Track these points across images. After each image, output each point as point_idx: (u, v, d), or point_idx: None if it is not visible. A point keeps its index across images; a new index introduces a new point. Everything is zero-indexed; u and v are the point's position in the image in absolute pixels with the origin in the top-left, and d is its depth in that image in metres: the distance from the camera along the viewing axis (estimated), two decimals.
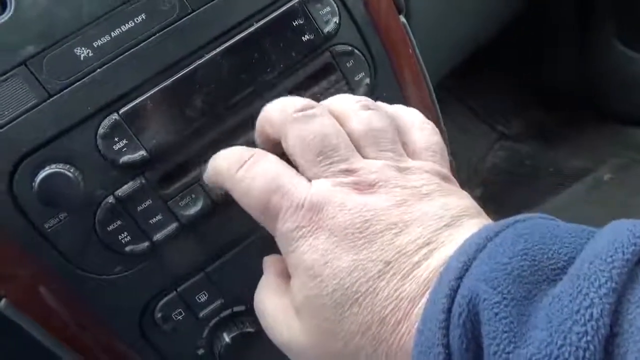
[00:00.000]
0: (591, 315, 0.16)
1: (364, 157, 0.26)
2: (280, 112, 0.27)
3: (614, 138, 0.84)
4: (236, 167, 0.26)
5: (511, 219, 0.22)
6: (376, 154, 0.26)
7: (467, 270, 0.20)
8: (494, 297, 0.18)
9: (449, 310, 0.19)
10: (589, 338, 0.16)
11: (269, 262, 0.29)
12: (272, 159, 0.26)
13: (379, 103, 0.29)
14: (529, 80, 0.95)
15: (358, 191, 0.24)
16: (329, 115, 0.26)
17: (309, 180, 0.25)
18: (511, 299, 0.18)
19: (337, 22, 0.33)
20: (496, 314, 0.18)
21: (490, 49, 0.76)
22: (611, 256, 0.17)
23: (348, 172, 0.25)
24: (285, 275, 0.27)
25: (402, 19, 0.38)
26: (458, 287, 0.20)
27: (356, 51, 0.34)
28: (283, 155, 0.27)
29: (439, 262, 0.22)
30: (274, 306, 0.26)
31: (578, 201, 0.77)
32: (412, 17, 0.43)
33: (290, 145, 0.26)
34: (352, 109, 0.27)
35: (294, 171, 0.26)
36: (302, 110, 0.26)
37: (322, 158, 0.25)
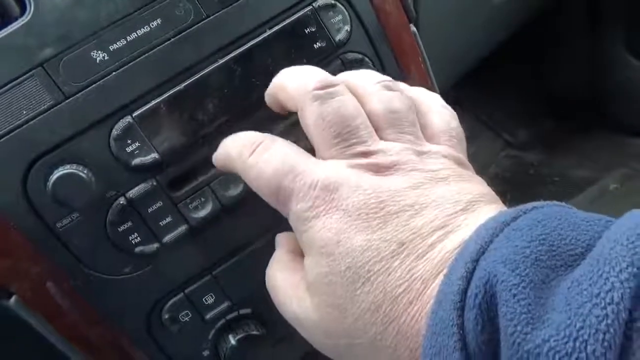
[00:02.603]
0: (612, 298, 0.16)
1: (382, 138, 0.26)
2: (299, 85, 0.26)
3: (620, 148, 0.84)
4: (248, 153, 0.26)
5: (528, 205, 0.22)
6: (395, 137, 0.26)
7: (483, 252, 0.20)
8: (512, 279, 0.18)
9: (465, 292, 0.19)
10: (609, 321, 0.16)
11: (282, 239, 0.29)
12: (283, 142, 0.26)
13: (400, 84, 0.29)
14: (536, 89, 0.95)
15: (374, 173, 0.24)
16: (349, 94, 0.26)
17: (325, 160, 0.25)
18: (529, 282, 0.18)
19: (349, 30, 0.33)
20: (514, 295, 0.18)
21: (498, 57, 0.76)
22: (632, 242, 0.17)
23: (366, 154, 0.25)
24: (297, 252, 0.27)
25: (413, 28, 0.38)
26: (474, 269, 0.20)
27: (366, 59, 0.34)
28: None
29: (454, 245, 0.22)
30: (285, 282, 0.26)
31: (583, 211, 0.76)
32: (422, 26, 0.44)
33: (309, 123, 0.26)
34: (373, 88, 0.27)
35: (305, 154, 0.26)
36: (322, 87, 0.26)
37: (340, 140, 0.25)
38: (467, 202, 0.23)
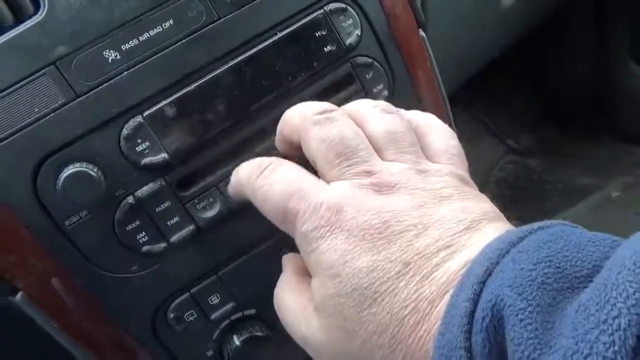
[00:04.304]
0: (619, 325, 0.16)
1: (383, 159, 0.26)
2: (300, 116, 0.27)
3: (623, 156, 0.84)
4: (255, 176, 0.27)
5: (534, 225, 0.22)
6: (395, 157, 0.26)
7: (490, 274, 0.20)
8: (519, 303, 0.18)
9: (472, 314, 0.19)
10: (616, 348, 0.16)
11: (288, 260, 0.30)
12: (289, 165, 0.27)
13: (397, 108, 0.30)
14: (540, 95, 0.95)
15: (377, 192, 0.24)
16: (348, 118, 0.27)
17: (329, 182, 0.26)
18: (536, 306, 0.18)
19: (359, 34, 0.33)
20: (521, 320, 0.18)
21: (503, 62, 0.76)
22: (639, 267, 0.17)
23: (368, 173, 0.25)
24: (304, 273, 0.28)
25: (422, 33, 0.38)
26: (481, 291, 0.20)
27: (376, 63, 0.35)
28: (304, 160, 0.27)
29: (459, 265, 0.22)
30: (293, 303, 0.27)
31: (585, 218, 0.77)
32: (430, 30, 0.44)
33: (311, 148, 0.26)
34: (371, 112, 0.27)
35: (311, 175, 0.26)
36: (321, 113, 0.26)
37: (342, 160, 0.25)
38: (471, 221, 0.23)
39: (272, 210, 0.26)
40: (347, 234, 0.23)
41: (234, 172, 0.29)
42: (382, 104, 0.28)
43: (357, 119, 0.27)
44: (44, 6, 0.28)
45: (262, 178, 0.27)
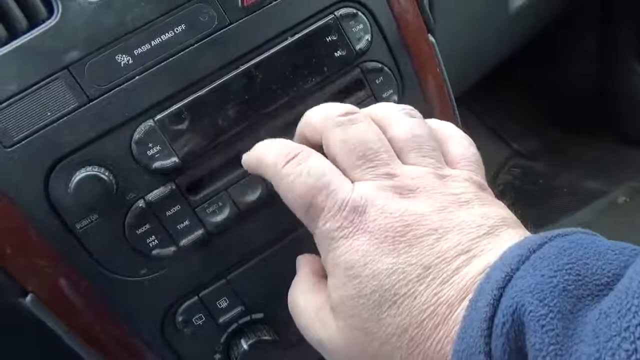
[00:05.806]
0: None
1: (404, 162, 0.26)
2: (322, 116, 0.27)
3: (630, 161, 0.84)
4: (283, 162, 0.26)
5: (553, 232, 0.22)
6: (417, 160, 0.26)
7: (509, 280, 0.20)
8: (540, 309, 0.18)
9: (491, 319, 0.20)
10: (638, 356, 0.16)
11: (303, 261, 0.29)
12: (320, 157, 0.26)
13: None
14: (546, 98, 0.95)
15: (400, 195, 0.25)
16: (370, 120, 0.27)
17: (352, 181, 0.26)
18: (557, 312, 0.18)
19: (369, 39, 0.33)
20: (542, 326, 0.18)
21: (509, 66, 0.76)
22: None
23: (390, 175, 0.25)
24: (319, 274, 0.28)
25: (431, 37, 0.38)
26: (500, 296, 0.20)
27: (385, 68, 0.35)
28: None
29: (478, 270, 0.22)
30: (308, 304, 0.27)
31: (591, 223, 0.76)
32: (437, 33, 0.44)
33: (332, 148, 0.26)
34: (395, 115, 0.28)
35: (338, 171, 0.26)
36: (344, 115, 0.26)
37: (364, 161, 0.25)
38: (490, 227, 0.24)
39: (296, 201, 0.25)
40: (369, 235, 0.23)
41: (256, 149, 0.28)
42: (407, 107, 0.28)
43: (380, 122, 0.27)
44: (58, 11, 0.28)
45: (290, 166, 0.26)
